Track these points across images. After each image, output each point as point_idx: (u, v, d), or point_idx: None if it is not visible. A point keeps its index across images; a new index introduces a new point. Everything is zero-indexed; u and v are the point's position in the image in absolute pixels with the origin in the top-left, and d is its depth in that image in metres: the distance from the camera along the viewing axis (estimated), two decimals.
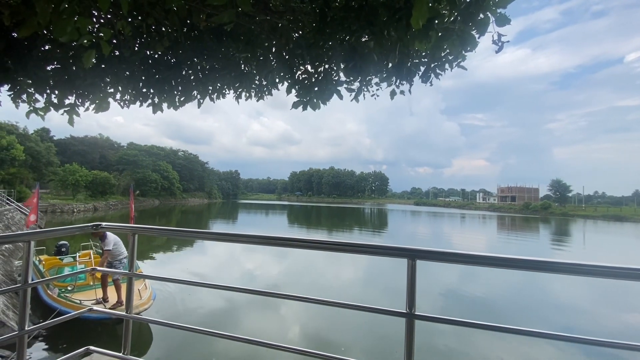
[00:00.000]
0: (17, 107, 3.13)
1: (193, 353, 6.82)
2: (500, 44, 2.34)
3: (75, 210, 43.23)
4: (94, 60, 3.11)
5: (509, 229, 42.66)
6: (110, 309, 6.98)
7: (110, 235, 7.56)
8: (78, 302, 7.39)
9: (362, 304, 1.72)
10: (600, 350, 7.36)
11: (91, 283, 8.41)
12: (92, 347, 2.25)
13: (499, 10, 2.23)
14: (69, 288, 8.23)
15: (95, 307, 2.75)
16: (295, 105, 3.03)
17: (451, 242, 28.11)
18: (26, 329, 1.89)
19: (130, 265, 2.28)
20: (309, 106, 3.02)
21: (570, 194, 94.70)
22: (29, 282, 1.92)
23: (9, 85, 3.02)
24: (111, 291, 7.68)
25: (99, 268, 2.97)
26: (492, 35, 2.30)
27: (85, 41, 2.10)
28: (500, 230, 39.97)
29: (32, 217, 10.76)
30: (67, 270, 9.43)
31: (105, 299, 7.51)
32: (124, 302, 7.26)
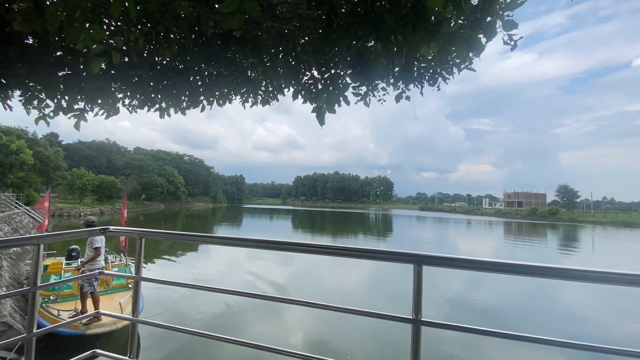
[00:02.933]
0: (28, 113, 3.20)
1: (196, 357, 6.81)
2: (512, 42, 2.33)
3: (82, 214, 43.67)
4: (102, 66, 3.18)
5: (516, 234, 42.19)
6: (85, 324, 6.50)
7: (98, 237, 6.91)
8: (56, 313, 6.92)
9: (367, 309, 1.71)
10: (611, 358, 7.20)
11: (77, 293, 7.75)
12: (98, 350, 2.26)
13: (506, 14, 2.23)
14: (52, 298, 7.74)
15: (103, 312, 2.75)
16: (320, 121, 3.05)
17: (457, 248, 27.86)
18: (34, 331, 1.90)
19: (137, 269, 2.29)
20: (323, 109, 3.03)
21: (578, 200, 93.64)
22: (37, 285, 1.94)
23: (21, 91, 3.09)
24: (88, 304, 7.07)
25: (106, 272, 2.97)
26: (503, 37, 2.30)
27: (98, 50, 2.14)
28: (507, 236, 39.54)
29: (46, 222, 10.87)
30: (53, 278, 8.85)
31: (83, 313, 6.84)
32: (100, 317, 6.53)
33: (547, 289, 13.58)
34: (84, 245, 8.13)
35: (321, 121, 3.04)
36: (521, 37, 2.30)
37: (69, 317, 6.64)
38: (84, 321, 6.51)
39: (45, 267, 9.65)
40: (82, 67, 3.04)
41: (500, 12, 2.17)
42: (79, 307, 7.09)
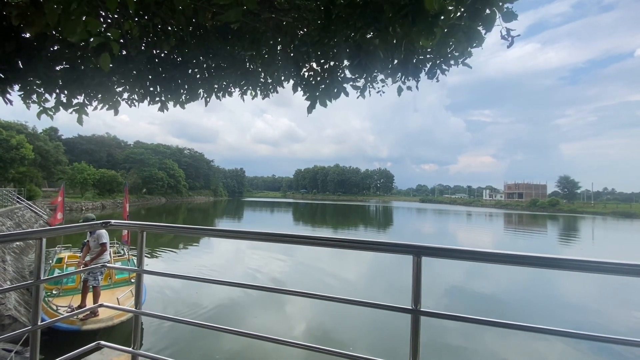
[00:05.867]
0: (28, 107, 3.19)
1: (199, 348, 6.91)
2: (510, 39, 2.30)
3: (83, 208, 43.83)
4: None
5: (516, 225, 42.32)
6: (82, 319, 6.44)
7: (102, 230, 6.95)
8: (55, 308, 6.85)
9: (367, 300, 1.73)
10: (610, 347, 7.30)
11: (78, 287, 7.66)
12: (102, 342, 2.29)
13: (505, 5, 2.20)
14: (54, 292, 7.71)
15: (106, 305, 2.76)
16: (309, 109, 3.07)
17: (457, 240, 27.99)
18: (39, 324, 1.93)
19: (139, 262, 2.31)
20: (317, 103, 3.04)
21: (578, 191, 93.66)
22: (41, 278, 1.96)
23: (20, 86, 3.07)
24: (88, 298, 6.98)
25: (109, 265, 2.99)
26: (501, 31, 2.27)
27: (95, 42, 2.13)
28: (507, 227, 39.66)
29: (59, 216, 10.92)
30: (56, 272, 8.90)
31: (81, 307, 6.74)
32: (98, 312, 6.57)
33: (546, 279, 13.67)
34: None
35: (310, 110, 3.05)
36: (519, 35, 2.28)
37: (66, 313, 6.58)
38: (80, 316, 6.50)
39: (59, 259, 9.74)
40: (80, 61, 3.02)
41: (500, 3, 2.14)
42: (74, 303, 7.03)
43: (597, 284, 13.21)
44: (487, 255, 1.56)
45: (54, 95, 3.20)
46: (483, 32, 2.27)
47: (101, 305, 2.58)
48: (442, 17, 2.09)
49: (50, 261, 9.77)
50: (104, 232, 7.12)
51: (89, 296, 6.94)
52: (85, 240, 10.26)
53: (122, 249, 10.96)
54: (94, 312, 6.55)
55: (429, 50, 2.83)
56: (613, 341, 1.37)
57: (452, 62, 2.91)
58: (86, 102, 3.32)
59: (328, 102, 3.07)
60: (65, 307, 6.93)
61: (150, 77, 3.47)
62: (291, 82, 3.53)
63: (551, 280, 13.65)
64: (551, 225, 42.11)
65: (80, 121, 3.15)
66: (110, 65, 3.13)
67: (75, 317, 6.41)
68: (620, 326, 9.35)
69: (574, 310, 10.66)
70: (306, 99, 3.08)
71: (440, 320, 1.64)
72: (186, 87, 3.63)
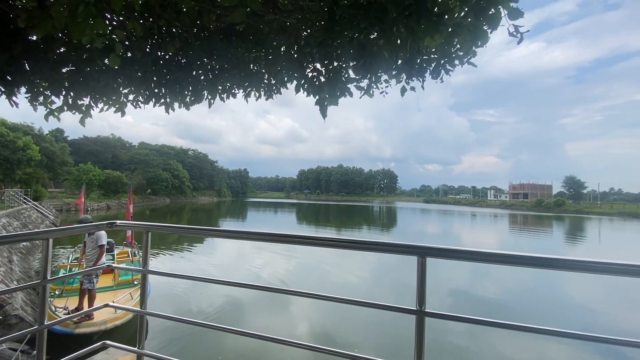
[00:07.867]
0: (35, 109, 3.22)
1: (203, 348, 6.93)
2: (519, 35, 2.26)
3: (89, 208, 44.10)
4: (106, 61, 3.19)
5: (521, 226, 41.99)
6: (75, 322, 6.28)
7: (102, 231, 6.84)
8: (53, 309, 6.72)
9: (371, 300, 1.72)
10: (617, 349, 7.21)
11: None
12: (108, 342, 2.31)
13: (511, 4, 2.19)
14: (57, 292, 7.64)
15: (112, 305, 2.76)
16: (323, 114, 3.06)
17: (461, 240, 27.84)
18: (45, 323, 1.95)
19: (144, 262, 2.32)
20: (326, 103, 3.04)
21: (585, 191, 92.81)
22: (48, 278, 1.98)
23: (26, 88, 3.11)
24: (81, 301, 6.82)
25: (113, 265, 3.01)
26: (508, 28, 2.24)
27: (99, 44, 2.15)
28: (512, 228, 39.36)
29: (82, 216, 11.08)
30: (62, 273, 8.91)
31: (79, 310, 6.62)
32: (94, 315, 6.45)
33: (552, 280, 13.55)
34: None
35: (324, 114, 3.04)
36: (528, 30, 2.23)
37: (64, 314, 6.54)
38: (74, 319, 6.32)
39: (76, 258, 9.83)
40: (85, 63, 3.05)
41: (506, 1, 2.12)
42: (69, 305, 6.93)
43: (603, 285, 13.07)
44: (492, 256, 1.55)
45: (61, 97, 3.23)
46: (488, 30, 2.25)
47: (107, 305, 2.59)
48: (447, 16, 2.08)
49: (65, 260, 9.92)
50: (103, 233, 7.02)
51: (85, 299, 6.81)
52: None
53: (135, 251, 10.96)
54: (88, 316, 6.45)
55: (433, 50, 2.82)
56: (620, 343, 1.35)
57: (456, 61, 2.90)
58: (92, 103, 3.35)
59: (334, 103, 3.07)
60: (61, 308, 6.83)
61: (155, 78, 3.50)
62: (294, 83, 3.54)
63: (557, 281, 13.52)
64: (557, 226, 41.74)
65: (82, 122, 3.18)
66: (116, 67, 3.18)
67: (70, 320, 6.32)
68: (627, 328, 9.24)
69: (580, 311, 10.55)
70: (316, 103, 3.07)
71: (445, 321, 1.63)
72: (190, 88, 3.65)
